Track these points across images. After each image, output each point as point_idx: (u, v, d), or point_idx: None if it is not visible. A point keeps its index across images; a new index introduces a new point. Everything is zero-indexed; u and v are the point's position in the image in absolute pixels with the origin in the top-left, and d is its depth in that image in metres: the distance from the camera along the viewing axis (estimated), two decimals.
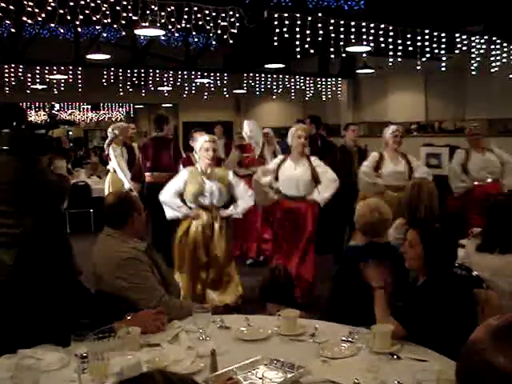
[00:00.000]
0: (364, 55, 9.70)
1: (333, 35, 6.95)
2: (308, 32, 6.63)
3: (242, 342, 2.43)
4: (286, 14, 6.36)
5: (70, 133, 18.46)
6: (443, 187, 5.54)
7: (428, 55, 8.04)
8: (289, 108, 14.23)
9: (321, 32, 6.74)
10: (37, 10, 5.61)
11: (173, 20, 5.89)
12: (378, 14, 7.50)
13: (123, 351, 2.24)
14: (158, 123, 7.04)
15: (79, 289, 2.66)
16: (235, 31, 6.20)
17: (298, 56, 7.27)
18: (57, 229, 2.68)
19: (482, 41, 7.90)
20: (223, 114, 15.67)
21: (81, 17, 5.71)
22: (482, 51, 7.99)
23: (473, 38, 7.89)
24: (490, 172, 5.95)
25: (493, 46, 8.07)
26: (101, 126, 18.66)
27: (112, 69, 11.01)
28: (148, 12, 5.85)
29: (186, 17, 6.00)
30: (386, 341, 2.28)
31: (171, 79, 11.94)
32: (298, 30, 6.59)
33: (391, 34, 7.17)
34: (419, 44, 7.48)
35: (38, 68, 10.66)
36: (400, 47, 7.42)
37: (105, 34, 10.28)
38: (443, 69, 8.47)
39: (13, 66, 10.16)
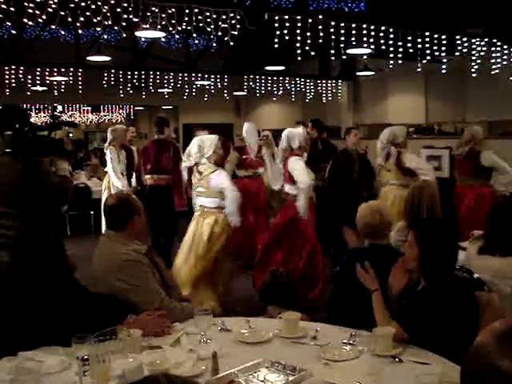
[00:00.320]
0: (364, 57, 9.71)
1: (333, 37, 6.94)
2: (308, 34, 6.63)
3: (243, 344, 2.43)
4: (286, 16, 6.36)
5: (71, 134, 18.44)
6: (444, 189, 5.54)
7: (428, 57, 8.04)
8: (289, 110, 14.23)
9: (321, 34, 6.73)
10: (37, 12, 5.61)
11: (173, 22, 5.89)
12: (379, 16, 7.51)
13: (124, 354, 2.24)
14: (158, 126, 7.03)
15: (75, 286, 2.65)
16: (236, 33, 6.20)
17: (299, 58, 7.27)
18: (48, 229, 2.67)
19: (483, 43, 7.89)
20: (223, 116, 15.68)
21: (81, 19, 5.71)
22: (482, 53, 7.99)
23: (473, 41, 7.88)
24: None
25: (493, 49, 8.06)
26: (101, 128, 18.63)
27: (112, 71, 11.00)
28: (148, 14, 5.85)
29: (186, 19, 6.00)
30: (388, 344, 2.28)
31: (171, 81, 11.93)
32: (298, 32, 6.58)
33: (391, 36, 7.17)
34: (419, 46, 7.47)
35: (39, 70, 10.66)
36: (400, 49, 7.42)
37: (105, 36, 10.30)
38: (443, 71, 8.47)
39: (13, 67, 10.16)
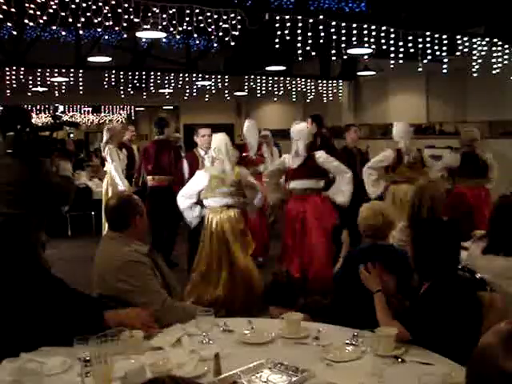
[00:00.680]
0: (365, 57, 9.70)
1: (334, 37, 6.94)
2: (309, 34, 6.63)
3: (245, 345, 2.42)
4: (287, 17, 6.36)
5: (72, 135, 18.45)
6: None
7: (429, 57, 8.05)
8: (290, 110, 14.23)
9: (322, 34, 6.74)
10: (38, 13, 5.61)
11: (174, 22, 5.89)
12: (380, 16, 7.51)
13: (126, 355, 2.23)
14: (159, 126, 7.04)
15: (52, 281, 2.62)
16: (236, 33, 6.20)
17: (300, 58, 7.28)
18: (17, 231, 2.63)
19: (483, 43, 7.89)
20: (224, 116, 15.67)
21: (82, 19, 5.70)
22: (483, 53, 7.99)
23: (474, 40, 7.88)
24: None
25: (494, 48, 8.06)
26: (102, 129, 18.59)
27: (113, 71, 11.02)
28: (149, 14, 5.85)
29: (187, 19, 6.00)
30: (391, 344, 2.27)
31: (172, 81, 11.93)
32: (299, 32, 6.58)
33: (392, 36, 7.17)
34: (420, 46, 7.48)
35: (40, 70, 10.66)
36: (401, 49, 7.42)
37: (106, 37, 10.29)
38: (444, 71, 8.47)
39: (14, 68, 10.16)
